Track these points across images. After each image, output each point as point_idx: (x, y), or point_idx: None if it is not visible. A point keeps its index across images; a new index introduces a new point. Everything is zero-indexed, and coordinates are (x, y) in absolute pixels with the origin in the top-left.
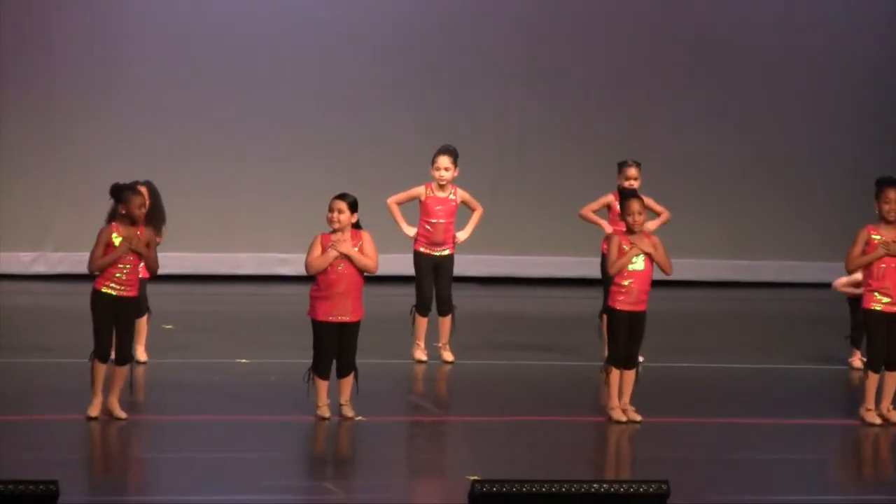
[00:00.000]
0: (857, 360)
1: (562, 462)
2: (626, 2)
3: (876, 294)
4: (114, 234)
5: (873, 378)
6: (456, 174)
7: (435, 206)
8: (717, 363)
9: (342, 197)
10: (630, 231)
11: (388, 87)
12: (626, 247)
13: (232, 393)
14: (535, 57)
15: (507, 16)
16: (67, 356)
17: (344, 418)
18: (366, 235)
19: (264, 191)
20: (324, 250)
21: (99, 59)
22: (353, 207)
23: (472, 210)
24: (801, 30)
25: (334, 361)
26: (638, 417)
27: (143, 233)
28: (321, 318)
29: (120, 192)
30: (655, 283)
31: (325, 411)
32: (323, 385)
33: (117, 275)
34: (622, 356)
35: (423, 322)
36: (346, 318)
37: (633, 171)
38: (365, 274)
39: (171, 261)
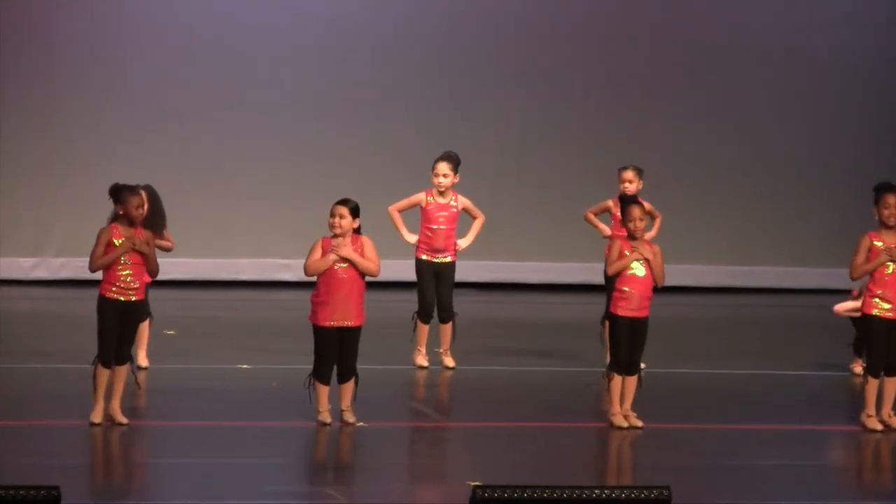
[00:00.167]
0: (858, 367)
1: (563, 468)
2: (625, 3)
3: (876, 300)
4: (114, 237)
5: (873, 384)
6: (456, 181)
7: (435, 213)
8: (718, 369)
9: (344, 202)
10: (631, 237)
11: (388, 91)
12: (627, 252)
13: (233, 398)
14: (535, 59)
15: (507, 18)
16: (68, 361)
17: (345, 424)
18: (366, 240)
19: (265, 196)
20: (324, 254)
21: (99, 62)
22: (355, 213)
23: (474, 218)
24: (802, 31)
25: (335, 367)
26: (639, 423)
27: (141, 235)
28: (322, 322)
29: (118, 193)
30: (657, 289)
31: (326, 417)
32: (324, 390)
33: (122, 279)
34: (624, 362)
35: (424, 329)
36: (348, 324)
37: (628, 175)
38: (367, 278)
39: (172, 266)
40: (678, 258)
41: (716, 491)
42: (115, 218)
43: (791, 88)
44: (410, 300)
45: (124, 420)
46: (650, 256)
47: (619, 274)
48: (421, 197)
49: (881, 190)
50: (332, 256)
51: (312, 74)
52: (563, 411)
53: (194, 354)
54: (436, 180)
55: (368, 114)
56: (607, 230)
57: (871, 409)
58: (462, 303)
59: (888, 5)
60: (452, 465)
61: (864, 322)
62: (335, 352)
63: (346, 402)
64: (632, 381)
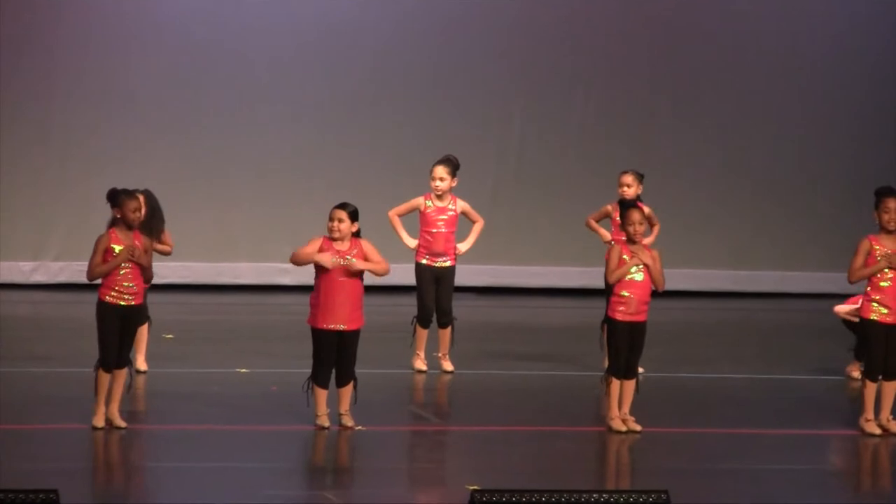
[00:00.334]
0: (856, 371)
1: (562, 472)
2: (625, 7)
3: (875, 304)
4: (112, 242)
5: (871, 388)
6: (454, 184)
7: (434, 217)
8: (717, 373)
9: (342, 206)
10: (631, 241)
11: (387, 95)
12: (626, 257)
13: (231, 402)
14: (534, 64)
15: (507, 22)
16: (68, 365)
17: (343, 428)
18: (366, 242)
19: (264, 200)
20: (321, 251)
21: (98, 68)
22: (354, 217)
23: (473, 222)
24: (803, 38)
25: (334, 371)
26: (638, 427)
27: (139, 239)
28: (321, 326)
29: (115, 197)
30: (655, 294)
31: (324, 421)
32: (322, 394)
33: (121, 284)
34: (622, 366)
35: (423, 333)
36: (346, 327)
37: (626, 179)
38: (363, 279)
39: (170, 270)
40: (678, 262)
41: (714, 495)
42: (113, 223)
43: (791, 98)
44: (409, 304)
45: (123, 424)
46: (649, 262)
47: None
48: (419, 201)
49: (881, 194)
50: (334, 259)
51: (312, 79)
52: (562, 415)
53: (193, 358)
54: (433, 184)
55: (368, 118)
56: (608, 236)
57: (870, 414)
58: (461, 307)
59: (888, 7)
60: (451, 469)
61: (862, 326)
62: (334, 355)
63: (345, 405)
64: (630, 384)
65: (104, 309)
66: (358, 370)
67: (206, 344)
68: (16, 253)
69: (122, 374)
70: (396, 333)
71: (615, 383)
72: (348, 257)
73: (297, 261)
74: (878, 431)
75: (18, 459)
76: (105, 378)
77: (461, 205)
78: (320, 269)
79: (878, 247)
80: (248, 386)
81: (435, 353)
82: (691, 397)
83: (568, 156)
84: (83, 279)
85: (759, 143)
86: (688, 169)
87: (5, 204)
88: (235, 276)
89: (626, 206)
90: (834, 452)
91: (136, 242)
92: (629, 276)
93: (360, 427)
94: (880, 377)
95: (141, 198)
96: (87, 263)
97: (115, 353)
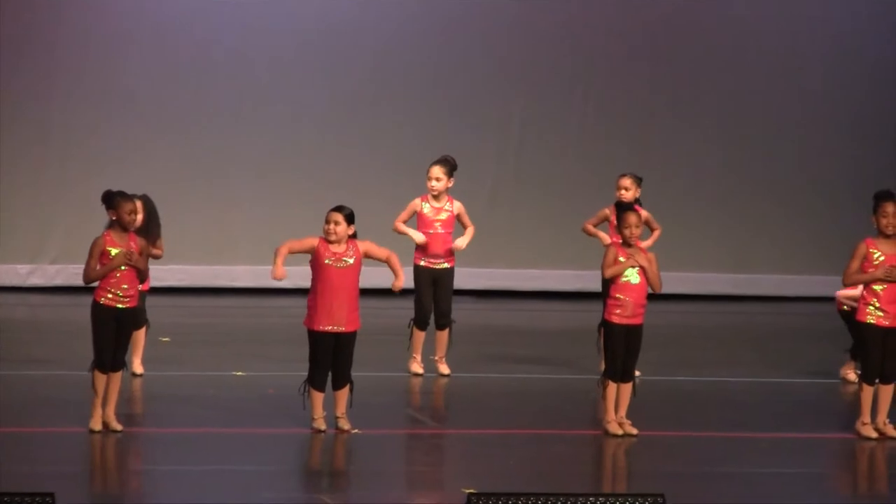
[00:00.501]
0: (851, 374)
1: (558, 475)
2: (626, 12)
3: (871, 308)
4: (108, 245)
5: (868, 391)
6: (450, 185)
7: (431, 218)
8: (714, 377)
9: (339, 209)
10: (626, 244)
11: (386, 97)
12: (622, 258)
13: (228, 406)
14: (532, 66)
15: (505, 24)
16: (64, 368)
17: (340, 431)
18: (362, 242)
19: (261, 203)
20: (320, 259)
21: (97, 69)
22: (350, 219)
23: (464, 227)
24: (803, 38)
25: (330, 374)
26: (634, 431)
27: (135, 241)
28: (317, 327)
29: (110, 199)
30: (653, 297)
31: (321, 424)
32: (319, 397)
33: (116, 286)
34: (619, 370)
35: (420, 336)
36: (342, 329)
37: (625, 182)
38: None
39: (167, 273)
40: (675, 266)
41: (711, 499)
42: (110, 226)
43: (791, 101)
44: (406, 307)
45: (119, 427)
46: (645, 264)
47: (613, 281)
48: (416, 203)
49: (880, 198)
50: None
51: (312, 79)
52: (559, 419)
53: (190, 361)
54: (429, 184)
55: (368, 118)
56: (607, 239)
57: (867, 417)
58: (458, 310)
59: (888, 7)
60: (447, 473)
61: (859, 329)
62: (330, 358)
63: (341, 409)
64: (627, 388)
65: (99, 310)
66: (354, 373)
67: (204, 347)
68: (13, 256)
69: (118, 378)
70: (393, 336)
71: (612, 386)
72: (345, 259)
73: (287, 250)
74: (874, 435)
75: (15, 462)
76: (101, 379)
77: (457, 206)
78: (317, 271)
79: (875, 251)
80: (244, 389)
81: (431, 357)
82: (688, 401)
83: (568, 156)
84: (80, 282)
85: (759, 144)
86: (687, 169)
87: (2, 207)
88: (232, 279)
89: (622, 208)
90: (830, 456)
91: (132, 244)
92: (625, 279)
93: (356, 430)
94: (877, 381)
95: (138, 203)
96: (84, 266)
97: (110, 354)
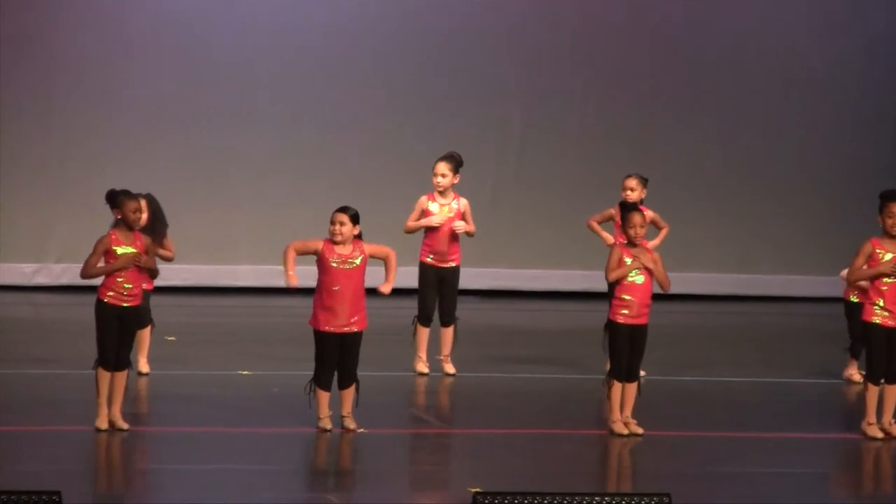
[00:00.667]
0: (857, 374)
1: (563, 475)
2: (627, 13)
3: (876, 308)
4: (113, 244)
5: (873, 391)
6: (456, 181)
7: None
8: (719, 377)
9: (343, 209)
10: (631, 244)
11: (388, 97)
12: (627, 259)
13: (233, 405)
14: (534, 66)
15: (507, 25)
16: (69, 367)
17: (346, 430)
18: (367, 244)
19: (264, 202)
20: (325, 261)
21: (99, 68)
22: (355, 220)
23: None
24: (803, 39)
25: (336, 373)
26: (640, 430)
27: (140, 239)
28: (322, 327)
29: (114, 198)
30: (658, 297)
31: (326, 423)
32: (324, 397)
33: (120, 285)
34: (624, 369)
35: (424, 333)
36: (348, 329)
37: (630, 182)
38: (367, 284)
39: (171, 273)
40: (679, 266)
41: (716, 499)
42: (115, 225)
43: (792, 92)
44: (410, 307)
45: (125, 425)
46: (650, 265)
47: (618, 281)
48: (423, 200)
49: (886, 198)
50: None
51: (313, 81)
52: (564, 418)
53: (195, 360)
54: (435, 180)
55: (368, 120)
56: (610, 239)
57: (872, 417)
58: (463, 310)
59: (888, 7)
60: (453, 472)
61: (863, 329)
62: (336, 357)
63: (347, 408)
64: (632, 388)
65: (103, 308)
66: (360, 372)
67: (209, 346)
68: (17, 255)
69: (123, 376)
70: (398, 336)
71: (617, 386)
72: (350, 260)
73: (294, 250)
74: (880, 435)
75: (21, 461)
76: (105, 377)
77: (463, 203)
78: (323, 272)
79: (880, 250)
80: (249, 388)
81: (437, 356)
82: (693, 400)
83: (568, 156)
84: (84, 281)
85: (759, 144)
86: (688, 169)
87: (7, 206)
88: (236, 279)
89: (627, 208)
90: (835, 456)
91: (138, 243)
92: (630, 279)
93: (362, 430)
94: (882, 381)
95: (143, 202)
96: None
97: (113, 351)
